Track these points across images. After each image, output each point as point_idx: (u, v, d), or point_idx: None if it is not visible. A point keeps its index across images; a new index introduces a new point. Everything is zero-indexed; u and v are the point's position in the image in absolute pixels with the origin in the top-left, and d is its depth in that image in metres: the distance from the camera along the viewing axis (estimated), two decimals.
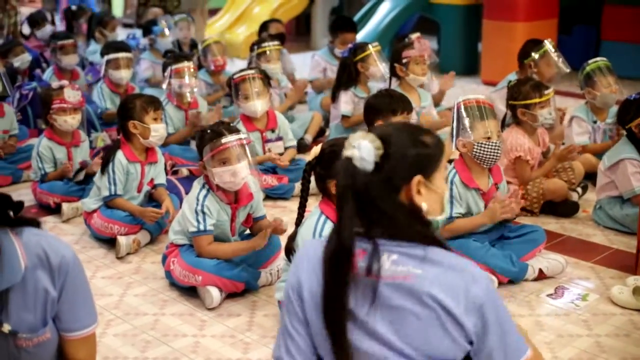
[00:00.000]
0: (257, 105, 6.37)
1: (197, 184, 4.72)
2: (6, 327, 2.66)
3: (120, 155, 5.52)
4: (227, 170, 4.56)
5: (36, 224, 2.79)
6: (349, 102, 7.32)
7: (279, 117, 6.68)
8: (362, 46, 7.45)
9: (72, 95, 6.01)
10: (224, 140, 4.56)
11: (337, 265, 2.31)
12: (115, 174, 5.48)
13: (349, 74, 7.34)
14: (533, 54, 7.28)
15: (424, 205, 2.34)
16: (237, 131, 4.68)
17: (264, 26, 9.68)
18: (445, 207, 2.45)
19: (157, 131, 5.58)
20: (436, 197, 2.40)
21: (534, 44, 7.39)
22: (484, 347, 2.32)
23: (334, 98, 7.44)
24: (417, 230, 2.33)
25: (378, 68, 7.30)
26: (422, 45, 6.92)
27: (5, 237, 2.64)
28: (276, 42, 8.07)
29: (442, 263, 2.30)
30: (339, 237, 2.31)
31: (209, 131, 4.67)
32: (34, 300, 2.69)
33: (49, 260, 2.69)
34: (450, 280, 2.27)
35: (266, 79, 6.53)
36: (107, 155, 5.59)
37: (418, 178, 2.32)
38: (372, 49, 7.36)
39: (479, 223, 4.85)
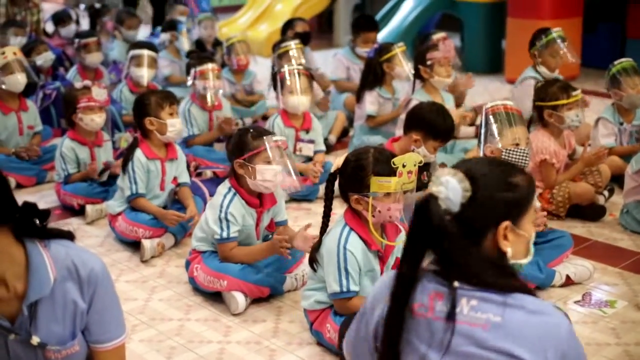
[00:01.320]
0: (301, 100, 6.38)
1: (221, 189, 4.68)
2: (35, 340, 2.67)
3: (139, 154, 5.51)
4: (270, 169, 4.55)
5: (70, 237, 2.80)
6: (374, 102, 7.31)
7: (314, 120, 6.68)
8: (388, 46, 7.43)
9: (99, 93, 6.02)
10: (275, 138, 4.59)
11: (397, 299, 2.27)
12: (136, 173, 5.47)
13: (374, 74, 7.33)
14: (537, 43, 7.23)
15: (509, 251, 2.27)
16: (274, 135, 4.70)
17: (288, 25, 9.64)
18: (531, 249, 2.35)
19: (174, 126, 5.57)
20: (523, 240, 2.32)
21: (542, 32, 7.35)
22: None
23: (359, 98, 7.42)
24: (499, 280, 2.23)
25: (403, 68, 7.28)
26: (447, 47, 6.87)
27: (34, 249, 2.64)
28: (297, 41, 8.04)
29: (523, 308, 2.20)
30: (404, 278, 2.26)
31: (252, 130, 4.67)
32: (62, 313, 2.70)
33: (78, 272, 2.69)
34: (530, 331, 2.17)
35: (311, 77, 6.53)
36: (126, 155, 5.59)
37: (506, 224, 2.25)
38: (398, 49, 7.34)
39: None
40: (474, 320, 2.20)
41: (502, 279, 2.23)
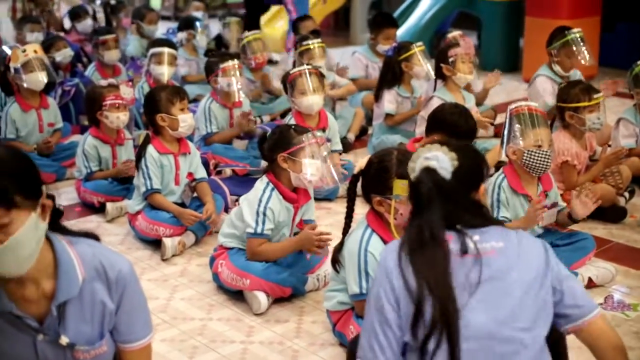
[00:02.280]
0: (315, 100, 6.32)
1: (259, 185, 4.70)
2: (64, 340, 2.68)
3: (151, 149, 5.54)
4: (315, 163, 4.60)
5: (94, 238, 2.81)
6: (392, 101, 7.29)
7: (330, 118, 6.65)
8: (406, 45, 7.41)
9: (126, 92, 6.05)
10: (318, 134, 4.68)
11: (432, 251, 2.63)
12: (149, 168, 5.49)
13: (393, 73, 7.32)
14: (554, 41, 7.20)
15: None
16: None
17: (297, 24, 9.65)
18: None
19: (186, 121, 5.59)
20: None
21: (561, 31, 7.30)
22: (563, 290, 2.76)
23: (378, 97, 7.41)
24: (486, 221, 2.77)
25: (422, 67, 7.27)
26: (467, 43, 6.86)
27: (62, 249, 2.65)
28: (319, 40, 8.02)
29: (515, 233, 2.78)
30: (430, 228, 2.64)
31: (293, 126, 4.76)
32: (91, 313, 2.71)
33: (106, 273, 2.71)
34: (530, 249, 2.74)
35: (322, 76, 6.51)
36: (138, 152, 5.61)
37: (484, 186, 2.84)
38: (417, 48, 7.32)
39: (517, 228, 4.78)
40: (483, 250, 2.67)
41: (488, 220, 2.79)
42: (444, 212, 2.66)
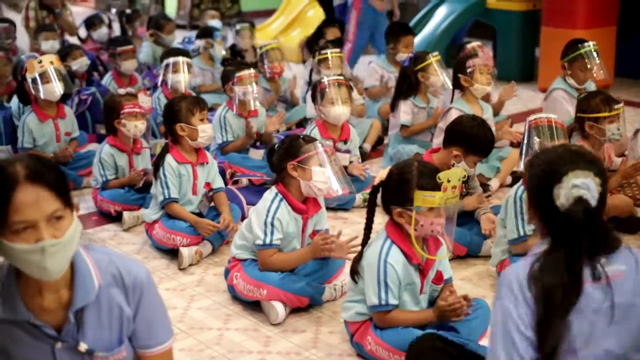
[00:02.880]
0: (342, 110, 6.35)
1: (268, 195, 4.70)
2: (83, 346, 2.69)
3: (169, 159, 5.54)
4: (324, 171, 4.60)
5: None
6: (408, 112, 7.27)
7: (353, 131, 6.67)
8: (423, 55, 7.38)
9: (145, 100, 6.09)
10: (327, 142, 4.64)
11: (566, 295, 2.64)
12: (167, 177, 5.49)
13: (409, 83, 7.29)
14: (568, 54, 7.17)
15: None
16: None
17: (320, 31, 9.63)
18: None
19: (205, 131, 5.59)
20: None
21: (574, 44, 7.26)
22: None
23: (394, 107, 7.40)
24: (617, 239, 2.79)
25: (438, 78, 7.25)
26: (486, 54, 6.85)
27: (79, 256, 2.67)
28: (337, 50, 8.03)
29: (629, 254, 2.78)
30: (573, 261, 2.66)
31: (301, 136, 4.76)
32: (109, 319, 2.73)
33: (122, 279, 2.73)
34: None
35: (350, 88, 6.53)
36: (157, 161, 5.62)
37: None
38: (433, 58, 7.29)
39: None
40: (611, 274, 2.67)
41: (618, 241, 2.79)
42: (590, 242, 2.67)
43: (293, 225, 4.68)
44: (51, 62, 6.85)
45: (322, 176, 4.60)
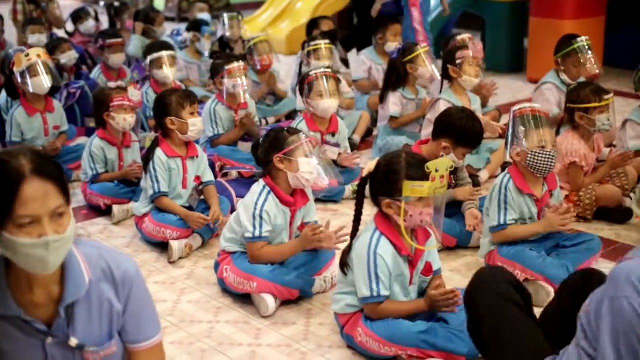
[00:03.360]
0: (330, 103, 6.34)
1: (255, 188, 4.70)
2: (73, 341, 2.70)
3: (159, 152, 5.53)
4: (310, 161, 4.61)
5: None
6: (397, 103, 7.28)
7: (341, 123, 6.66)
8: (411, 47, 7.38)
9: (134, 94, 6.07)
10: (312, 133, 4.65)
11: None
12: (157, 171, 5.48)
13: (397, 74, 7.28)
14: (561, 50, 7.19)
15: None
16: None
17: (314, 23, 9.60)
18: None
19: (195, 125, 5.58)
20: None
21: (568, 39, 7.27)
22: None
23: (382, 99, 7.40)
24: None
25: (427, 69, 7.24)
26: (476, 46, 6.86)
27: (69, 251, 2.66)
28: (327, 41, 8.02)
29: None
30: None
31: (286, 128, 4.76)
32: (99, 313, 2.73)
33: (112, 274, 2.73)
34: None
35: (338, 80, 6.52)
36: (146, 154, 5.61)
37: None
38: (421, 49, 7.29)
39: (534, 231, 4.81)
40: None
41: None
42: None
43: (281, 218, 4.68)
44: (38, 55, 6.83)
45: (309, 166, 4.61)
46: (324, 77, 6.37)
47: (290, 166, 4.61)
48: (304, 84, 6.43)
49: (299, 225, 4.81)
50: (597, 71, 7.22)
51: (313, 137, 4.77)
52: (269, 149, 4.67)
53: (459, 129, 5.17)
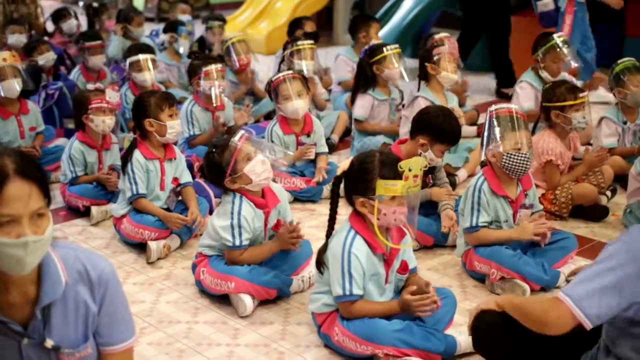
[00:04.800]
0: (298, 104, 6.33)
1: (226, 197, 4.67)
2: (49, 343, 2.71)
3: (137, 154, 5.53)
4: (257, 162, 4.57)
5: None
6: (364, 106, 7.22)
7: (316, 122, 6.65)
8: (379, 47, 7.28)
9: (113, 96, 6.05)
10: (239, 134, 4.63)
11: None
12: (135, 173, 5.48)
13: (364, 76, 7.23)
14: (539, 48, 7.25)
15: None
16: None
17: (296, 23, 9.61)
18: None
19: (174, 128, 5.57)
20: None
21: (544, 37, 7.35)
22: None
23: (353, 101, 7.36)
24: None
25: (395, 70, 7.14)
26: (452, 44, 6.88)
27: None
28: (311, 41, 8.03)
29: None
30: None
31: (214, 148, 4.67)
32: (75, 315, 2.74)
33: (88, 275, 2.74)
34: None
35: (304, 80, 6.52)
36: (125, 156, 5.61)
37: None
38: (390, 50, 7.18)
39: (507, 237, 4.83)
40: None
41: None
42: None
43: (258, 220, 4.68)
44: (4, 59, 6.81)
45: (258, 167, 4.57)
46: (287, 80, 6.36)
47: (243, 182, 4.60)
48: (271, 89, 6.44)
49: (273, 226, 4.81)
50: (578, 64, 7.31)
51: (245, 134, 4.68)
52: (218, 176, 4.64)
53: (436, 126, 5.19)
